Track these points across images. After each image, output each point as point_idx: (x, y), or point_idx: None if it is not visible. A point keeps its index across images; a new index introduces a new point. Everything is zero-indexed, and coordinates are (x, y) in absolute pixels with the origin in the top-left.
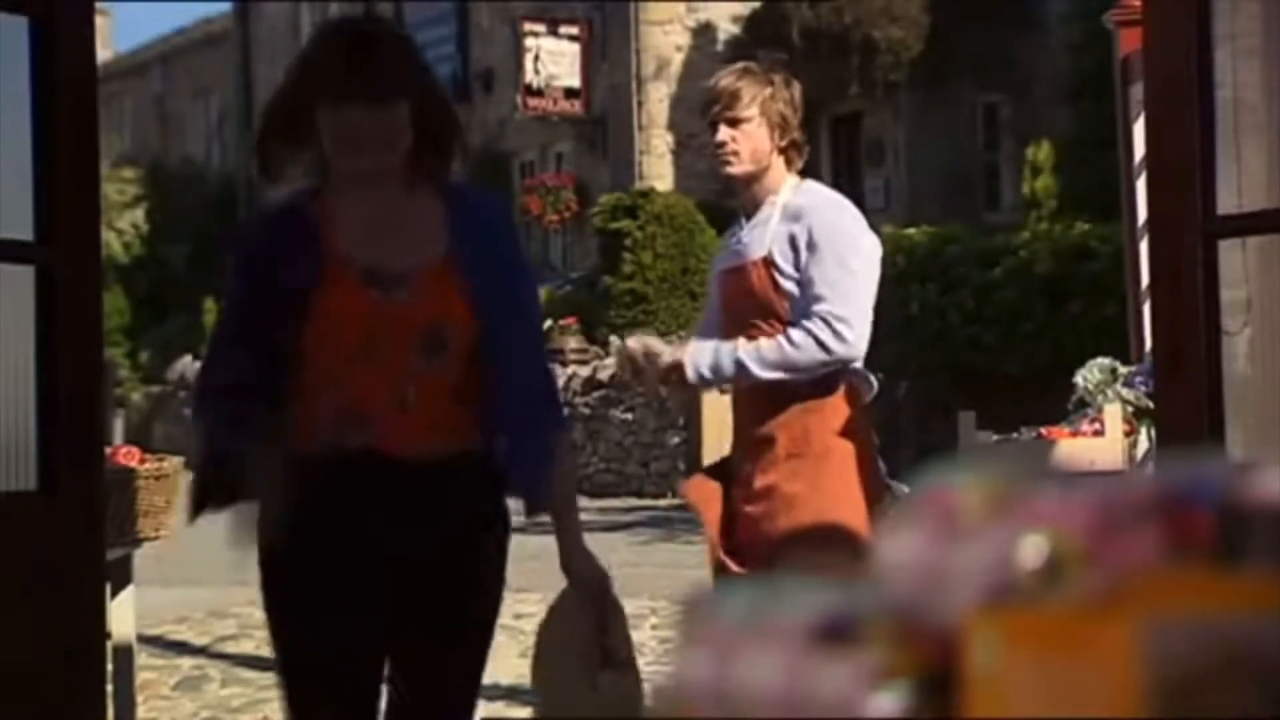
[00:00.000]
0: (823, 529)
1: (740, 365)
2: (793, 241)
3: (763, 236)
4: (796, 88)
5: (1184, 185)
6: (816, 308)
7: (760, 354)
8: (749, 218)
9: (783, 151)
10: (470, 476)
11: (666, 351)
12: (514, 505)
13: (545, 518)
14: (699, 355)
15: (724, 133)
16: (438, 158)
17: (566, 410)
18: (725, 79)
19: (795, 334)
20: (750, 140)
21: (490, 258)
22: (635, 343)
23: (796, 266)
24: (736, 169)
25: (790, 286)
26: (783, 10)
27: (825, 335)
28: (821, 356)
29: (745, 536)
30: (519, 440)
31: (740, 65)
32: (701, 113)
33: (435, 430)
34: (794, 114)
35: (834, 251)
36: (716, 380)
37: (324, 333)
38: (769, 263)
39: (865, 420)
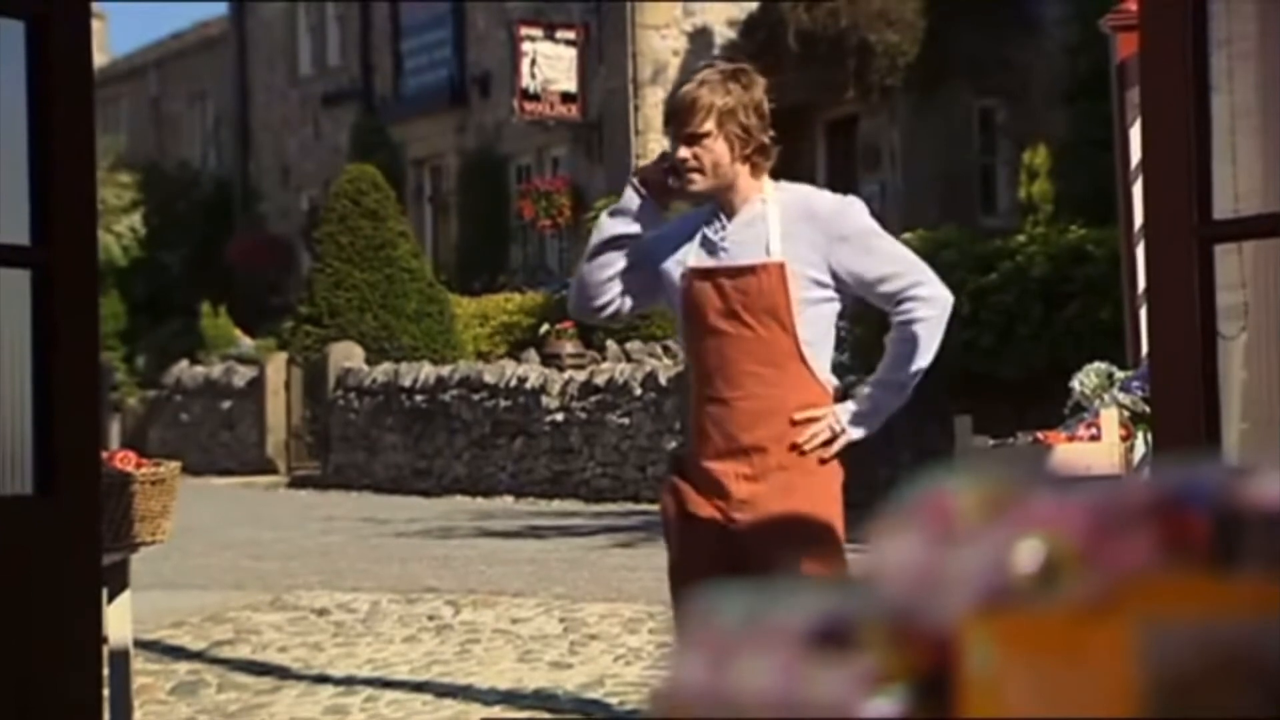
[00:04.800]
0: (815, 544)
1: (908, 384)
2: (816, 242)
3: (763, 237)
4: (759, 89)
5: (1180, 189)
6: (893, 287)
7: (915, 353)
8: (730, 217)
9: (747, 159)
10: None
11: (833, 430)
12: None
13: (545, 520)
14: (859, 417)
15: (683, 150)
16: None
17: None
18: (682, 90)
19: (913, 325)
20: (709, 154)
21: None
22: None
23: (827, 265)
24: (699, 185)
25: (809, 288)
26: (779, 14)
27: (928, 299)
28: (939, 315)
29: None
30: None
31: (700, 74)
32: (663, 127)
33: None
34: (758, 120)
35: (864, 234)
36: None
37: None
38: (783, 266)
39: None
